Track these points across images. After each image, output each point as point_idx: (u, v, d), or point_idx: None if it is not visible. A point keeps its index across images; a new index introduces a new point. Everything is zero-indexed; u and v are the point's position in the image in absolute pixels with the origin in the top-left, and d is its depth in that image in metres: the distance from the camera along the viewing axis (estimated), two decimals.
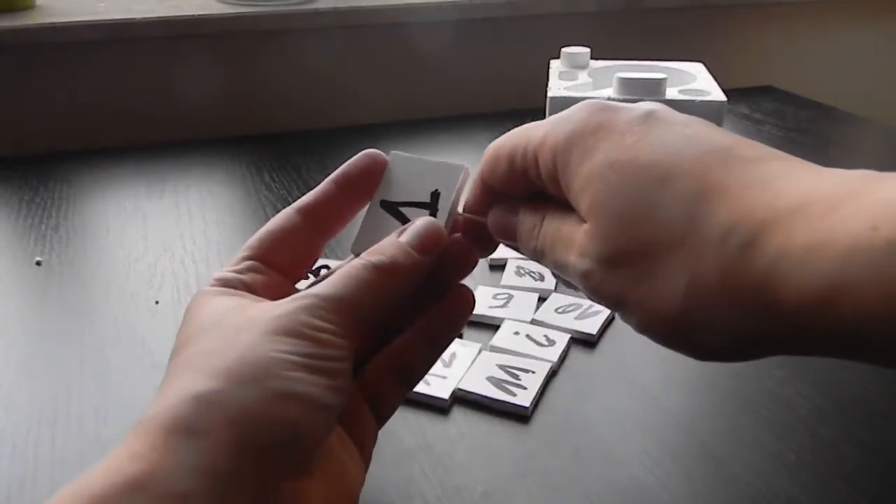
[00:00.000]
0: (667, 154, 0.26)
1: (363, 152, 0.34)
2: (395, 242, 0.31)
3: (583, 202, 0.27)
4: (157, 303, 0.65)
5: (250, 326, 0.28)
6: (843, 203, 0.21)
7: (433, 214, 0.33)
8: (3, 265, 0.72)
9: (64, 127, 1.09)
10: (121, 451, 0.25)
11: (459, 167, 0.33)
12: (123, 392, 0.54)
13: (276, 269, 0.32)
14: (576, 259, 0.27)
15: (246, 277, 0.31)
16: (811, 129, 1.09)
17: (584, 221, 0.27)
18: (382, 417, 0.34)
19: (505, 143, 0.31)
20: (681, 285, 0.24)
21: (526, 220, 0.31)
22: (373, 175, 0.34)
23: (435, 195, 0.33)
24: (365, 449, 0.32)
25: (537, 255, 0.31)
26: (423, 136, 1.06)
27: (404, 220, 0.33)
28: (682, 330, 0.25)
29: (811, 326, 0.21)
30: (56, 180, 0.89)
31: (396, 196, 0.33)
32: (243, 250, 0.33)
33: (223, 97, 1.15)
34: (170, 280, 0.68)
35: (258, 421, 0.25)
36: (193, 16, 1.08)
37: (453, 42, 1.24)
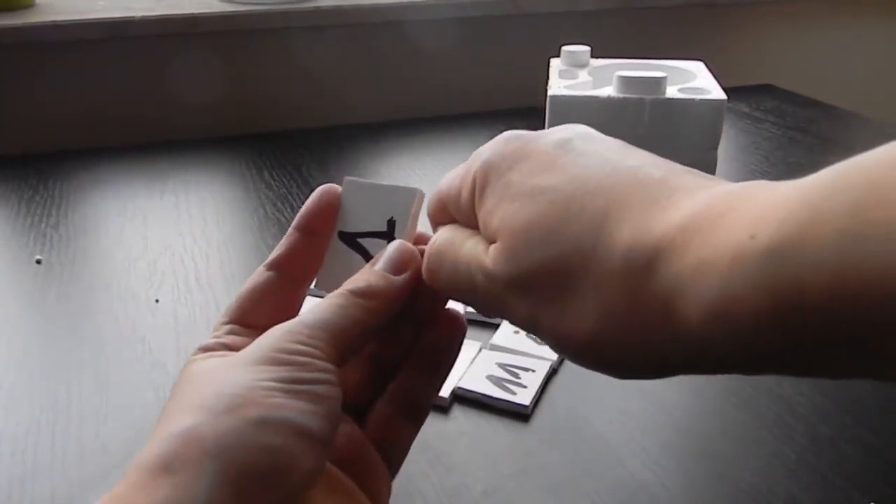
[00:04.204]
0: (576, 176, 0.26)
1: (318, 189, 0.33)
2: (369, 270, 0.31)
3: (492, 222, 0.27)
4: (157, 301, 0.65)
5: (229, 365, 0.27)
6: (727, 215, 0.21)
7: (390, 242, 0.32)
8: (3, 264, 0.72)
9: (64, 126, 1.09)
10: (106, 498, 0.24)
11: (413, 191, 0.33)
12: (123, 392, 0.54)
13: (257, 329, 0.31)
14: (483, 280, 0.27)
15: (227, 340, 0.31)
16: (811, 128, 1.09)
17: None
18: (395, 464, 0.33)
19: (441, 189, 0.31)
20: (591, 310, 0.24)
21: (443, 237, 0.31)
22: (332, 210, 0.33)
23: (391, 223, 0.33)
24: (380, 498, 0.31)
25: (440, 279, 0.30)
26: (423, 135, 1.06)
27: (364, 252, 0.33)
28: (596, 353, 0.25)
29: (713, 343, 0.21)
30: (56, 179, 0.89)
31: (353, 226, 0.33)
32: (222, 317, 0.32)
33: (223, 96, 1.15)
34: (170, 279, 0.68)
35: (236, 451, 0.24)
36: (193, 14, 1.08)
37: (453, 41, 1.23)
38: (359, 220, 0.33)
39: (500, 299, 0.27)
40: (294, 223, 0.33)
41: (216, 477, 0.24)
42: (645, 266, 0.23)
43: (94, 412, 0.52)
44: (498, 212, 0.27)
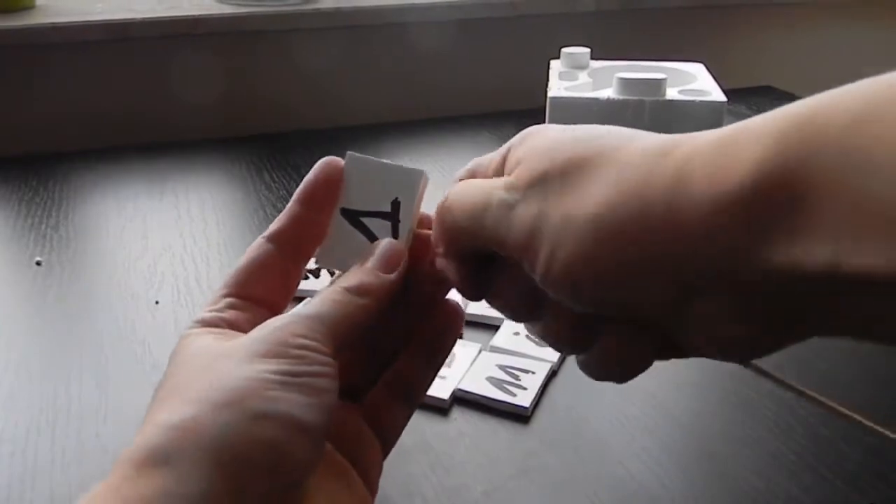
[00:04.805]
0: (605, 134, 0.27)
1: (321, 161, 0.33)
2: (360, 268, 0.31)
3: (518, 153, 0.28)
4: (157, 302, 0.65)
5: (227, 354, 0.27)
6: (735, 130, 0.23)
7: (394, 225, 0.32)
8: (3, 265, 0.72)
9: (64, 127, 1.09)
10: (96, 490, 0.24)
11: (419, 173, 0.32)
12: (123, 392, 0.54)
13: (256, 302, 0.32)
14: (500, 192, 0.27)
15: (226, 315, 0.31)
16: None
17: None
18: (388, 444, 0.33)
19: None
20: (601, 189, 0.24)
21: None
22: (334, 184, 0.33)
23: (395, 204, 0.32)
24: (370, 480, 0.32)
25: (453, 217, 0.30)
26: (423, 136, 1.06)
27: (367, 231, 0.32)
28: (594, 242, 0.24)
29: (711, 229, 0.22)
30: (56, 180, 0.89)
31: (356, 203, 0.33)
32: (220, 289, 0.32)
33: (223, 97, 1.15)
34: (170, 280, 0.68)
35: (234, 444, 0.24)
36: (193, 16, 1.08)
37: (453, 42, 1.24)
38: (362, 197, 0.33)
39: (511, 210, 0.27)
40: (295, 195, 0.33)
41: (213, 469, 0.24)
42: (662, 151, 0.24)
43: (94, 412, 0.52)
44: (524, 147, 0.28)
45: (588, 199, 0.24)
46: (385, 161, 0.33)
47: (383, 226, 0.32)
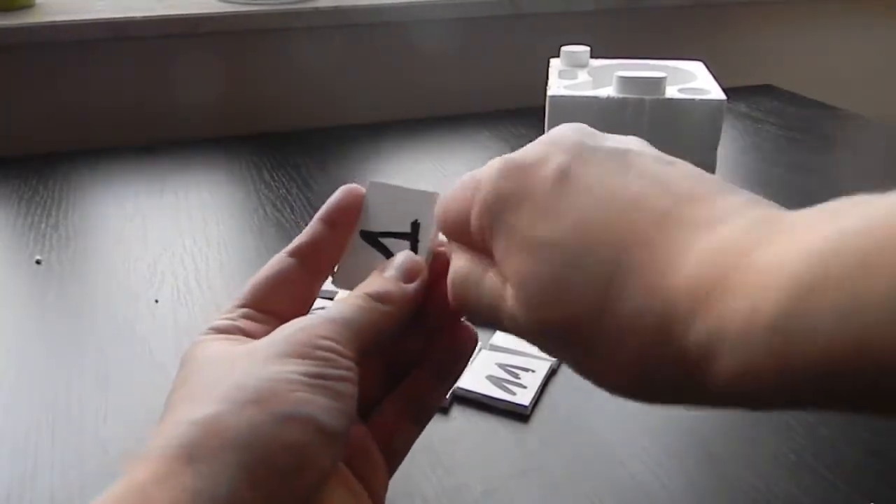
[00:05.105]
0: (578, 223, 0.25)
1: (342, 188, 0.34)
2: (382, 277, 0.31)
3: (505, 268, 0.27)
4: (156, 302, 0.65)
5: (249, 354, 0.27)
6: (732, 278, 0.21)
7: (414, 244, 0.33)
8: (3, 264, 0.72)
9: (64, 126, 1.09)
10: (128, 481, 0.24)
11: (436, 195, 0.33)
12: (123, 392, 0.54)
13: (272, 315, 0.31)
14: (507, 321, 0.28)
15: (241, 324, 0.31)
16: (811, 128, 1.09)
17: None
18: (395, 462, 0.33)
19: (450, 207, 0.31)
20: (613, 364, 0.25)
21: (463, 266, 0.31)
22: (355, 208, 0.33)
23: (415, 225, 0.33)
24: (376, 495, 0.31)
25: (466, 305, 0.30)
26: (423, 135, 1.06)
27: (385, 251, 0.33)
28: (630, 395, 0.26)
29: (738, 398, 0.22)
30: (56, 179, 0.89)
31: (376, 226, 0.33)
32: (236, 300, 0.32)
33: (223, 96, 1.15)
34: (170, 279, 0.68)
35: (260, 445, 0.24)
36: (193, 14, 1.08)
37: (453, 41, 1.23)
38: (382, 220, 0.33)
39: (525, 337, 0.27)
40: (318, 214, 0.33)
41: (239, 470, 0.24)
42: (657, 328, 0.23)
43: (94, 412, 0.52)
44: (508, 261, 0.27)
45: (604, 373, 0.26)
46: (405, 186, 0.33)
47: (402, 245, 0.33)
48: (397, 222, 0.33)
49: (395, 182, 0.34)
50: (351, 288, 0.32)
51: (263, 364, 0.26)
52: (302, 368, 0.26)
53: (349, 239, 0.33)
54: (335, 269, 0.33)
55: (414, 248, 0.33)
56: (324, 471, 0.26)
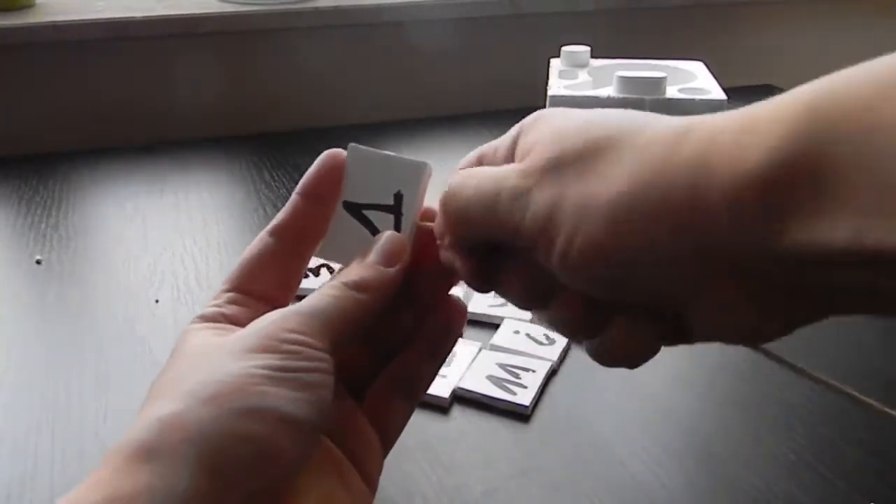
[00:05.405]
0: (596, 115, 0.27)
1: (322, 154, 0.33)
2: (360, 263, 0.31)
3: (530, 138, 0.28)
4: (157, 301, 0.64)
5: (220, 349, 0.27)
6: (754, 111, 0.24)
7: (397, 218, 0.32)
8: (3, 264, 0.72)
9: (64, 126, 1.09)
10: (89, 480, 0.24)
11: (422, 165, 0.32)
12: (123, 392, 0.54)
13: (258, 298, 0.31)
14: (513, 179, 0.27)
15: (227, 310, 0.31)
16: None
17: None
18: (388, 442, 0.33)
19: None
20: (621, 173, 0.24)
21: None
22: (336, 176, 0.33)
23: (398, 197, 0.32)
24: (371, 478, 0.31)
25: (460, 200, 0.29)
26: (422, 135, 1.06)
27: (369, 224, 0.32)
28: (612, 224, 0.24)
29: (738, 216, 0.22)
30: (56, 179, 0.89)
31: (359, 196, 0.32)
32: (222, 284, 0.32)
33: (223, 96, 1.15)
34: (170, 279, 0.68)
35: (217, 440, 0.24)
36: (193, 14, 1.08)
37: (453, 41, 1.23)
38: (364, 190, 0.32)
39: (525, 196, 0.26)
40: (297, 188, 0.33)
41: (196, 465, 0.24)
42: (681, 133, 0.24)
43: (94, 412, 0.52)
44: (535, 132, 0.28)
45: (607, 183, 0.24)
46: (388, 153, 0.32)
47: (386, 218, 0.32)
48: (381, 192, 0.32)
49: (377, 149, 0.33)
50: (337, 260, 0.31)
51: (230, 360, 0.26)
52: (266, 362, 0.26)
53: (333, 210, 0.32)
54: (321, 242, 0.33)
55: (398, 221, 0.32)
56: (292, 461, 0.26)
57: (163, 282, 0.68)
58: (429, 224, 0.32)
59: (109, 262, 0.71)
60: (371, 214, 0.32)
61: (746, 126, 0.23)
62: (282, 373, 0.26)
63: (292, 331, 0.27)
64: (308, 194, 0.33)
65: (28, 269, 0.70)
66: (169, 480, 0.23)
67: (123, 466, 0.24)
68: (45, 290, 0.67)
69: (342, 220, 0.32)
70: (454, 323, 0.34)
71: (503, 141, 0.30)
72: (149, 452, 0.24)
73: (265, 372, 0.26)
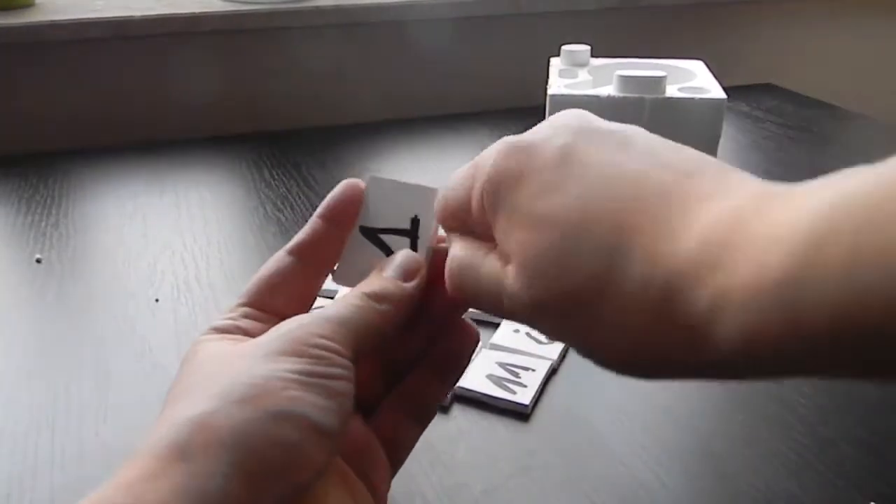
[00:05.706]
0: (580, 198, 0.25)
1: (342, 182, 0.33)
2: (380, 276, 0.31)
3: (506, 245, 0.27)
4: (157, 301, 0.64)
5: (245, 352, 0.27)
6: (737, 241, 0.21)
7: (414, 241, 0.33)
8: (3, 263, 0.72)
9: (63, 125, 1.09)
10: (117, 481, 0.24)
11: (436, 191, 0.33)
12: (123, 391, 0.54)
13: (273, 314, 0.31)
14: (507, 300, 0.27)
15: (242, 323, 0.31)
16: (811, 127, 1.09)
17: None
18: (398, 461, 0.33)
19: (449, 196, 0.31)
20: (616, 335, 0.24)
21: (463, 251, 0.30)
22: (356, 203, 0.33)
23: (415, 221, 0.33)
24: (378, 496, 0.31)
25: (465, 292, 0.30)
26: (422, 135, 1.06)
27: (385, 248, 0.33)
28: (629, 367, 0.25)
29: (743, 366, 0.22)
30: (56, 178, 0.89)
31: (376, 222, 0.33)
32: (238, 299, 0.32)
33: (223, 95, 1.15)
34: (170, 278, 0.68)
35: (252, 442, 0.24)
36: (193, 13, 1.08)
37: (453, 40, 1.23)
38: (381, 216, 0.33)
39: (526, 317, 0.27)
40: (318, 211, 0.33)
41: (230, 467, 0.24)
42: (661, 298, 0.22)
43: (94, 412, 0.52)
44: (510, 237, 0.27)
45: (605, 343, 0.24)
46: (405, 181, 0.33)
47: (402, 242, 0.33)
48: (397, 218, 0.33)
49: (394, 177, 0.34)
50: (351, 285, 0.32)
51: (258, 362, 0.26)
52: (296, 366, 0.26)
53: (349, 235, 0.33)
54: (335, 266, 0.33)
55: (414, 245, 0.33)
56: (317, 469, 0.26)
57: (163, 281, 0.68)
58: (444, 247, 0.32)
59: (109, 260, 0.71)
60: (388, 238, 0.33)
61: (722, 301, 0.21)
62: (310, 378, 0.26)
63: (322, 336, 0.27)
64: (328, 218, 0.33)
65: (28, 268, 0.70)
66: (204, 482, 0.23)
67: (154, 467, 0.24)
68: (44, 289, 0.67)
69: (358, 244, 0.33)
70: (465, 347, 0.34)
71: (471, 195, 0.29)
72: (181, 454, 0.24)
73: (294, 376, 0.26)
